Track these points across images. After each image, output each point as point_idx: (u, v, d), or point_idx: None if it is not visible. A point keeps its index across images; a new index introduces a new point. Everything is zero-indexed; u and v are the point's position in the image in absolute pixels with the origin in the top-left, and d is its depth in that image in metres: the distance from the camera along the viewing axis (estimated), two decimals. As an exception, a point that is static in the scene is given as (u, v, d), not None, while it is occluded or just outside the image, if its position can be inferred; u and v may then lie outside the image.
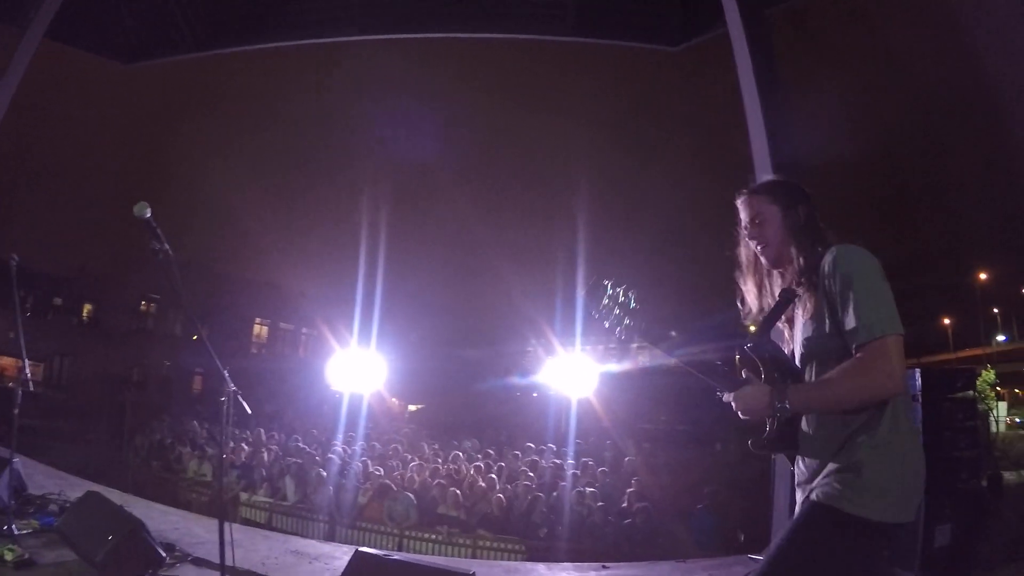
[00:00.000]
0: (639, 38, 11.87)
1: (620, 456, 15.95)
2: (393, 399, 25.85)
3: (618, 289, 2.74)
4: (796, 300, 2.97)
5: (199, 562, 6.08)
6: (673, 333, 2.77)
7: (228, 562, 4.42)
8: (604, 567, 7.54)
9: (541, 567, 7.72)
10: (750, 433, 2.92)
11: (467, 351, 30.82)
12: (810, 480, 2.80)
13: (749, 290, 3.24)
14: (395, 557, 5.21)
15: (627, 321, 2.71)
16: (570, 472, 13.87)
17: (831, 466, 2.69)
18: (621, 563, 7.96)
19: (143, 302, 34.88)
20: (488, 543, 11.48)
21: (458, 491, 12.42)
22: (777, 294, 3.07)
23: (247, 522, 12.25)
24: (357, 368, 17.87)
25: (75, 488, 7.66)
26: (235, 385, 4.41)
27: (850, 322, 2.65)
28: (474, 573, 4.86)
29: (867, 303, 2.65)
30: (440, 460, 14.96)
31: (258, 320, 38.64)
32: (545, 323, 25.05)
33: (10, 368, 25.36)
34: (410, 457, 14.90)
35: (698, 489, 13.97)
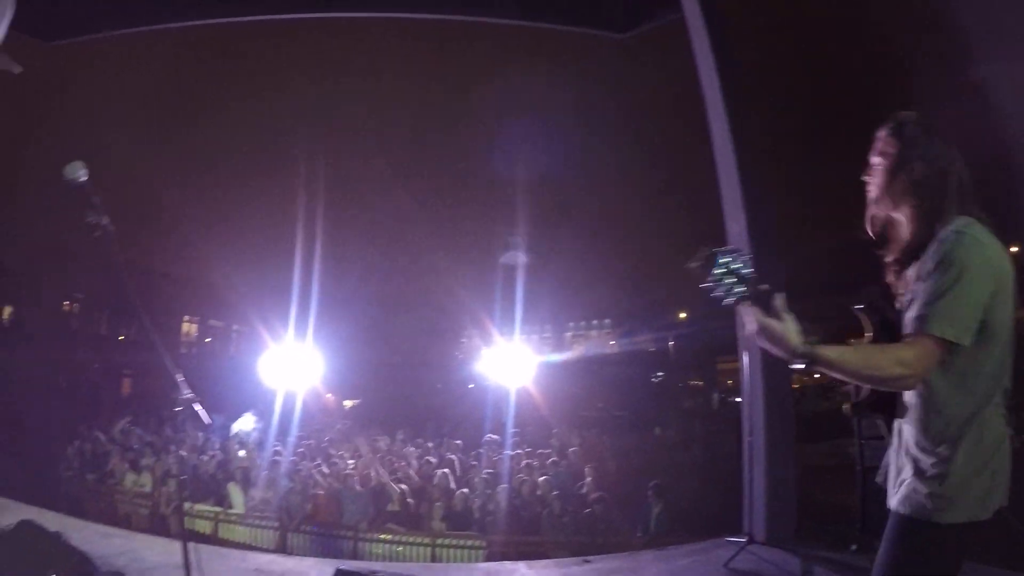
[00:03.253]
0: (586, 23, 11.42)
1: (565, 445, 15.45)
2: (328, 395, 25.06)
3: (730, 257, 2.44)
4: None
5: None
6: (766, 286, 2.43)
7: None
8: (586, 561, 7.22)
9: (522, 566, 7.24)
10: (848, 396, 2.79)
11: (403, 343, 30.19)
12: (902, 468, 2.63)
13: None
14: (379, 571, 4.56)
15: (740, 289, 2.42)
16: (523, 463, 13.30)
17: (918, 464, 2.54)
18: (602, 555, 7.61)
19: (65, 301, 33.34)
20: (447, 541, 10.89)
21: (409, 487, 11.79)
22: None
23: (194, 534, 11.53)
24: (291, 364, 17.15)
25: (3, 512, 6.84)
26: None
27: (920, 308, 2.45)
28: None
29: (946, 298, 2.40)
30: (386, 456, 14.23)
31: (186, 318, 37.13)
32: (483, 312, 24.47)
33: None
34: (354, 454, 14.12)
35: (645, 475, 13.63)
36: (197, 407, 3.63)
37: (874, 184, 2.71)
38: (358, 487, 11.88)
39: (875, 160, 2.71)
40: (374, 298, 30.77)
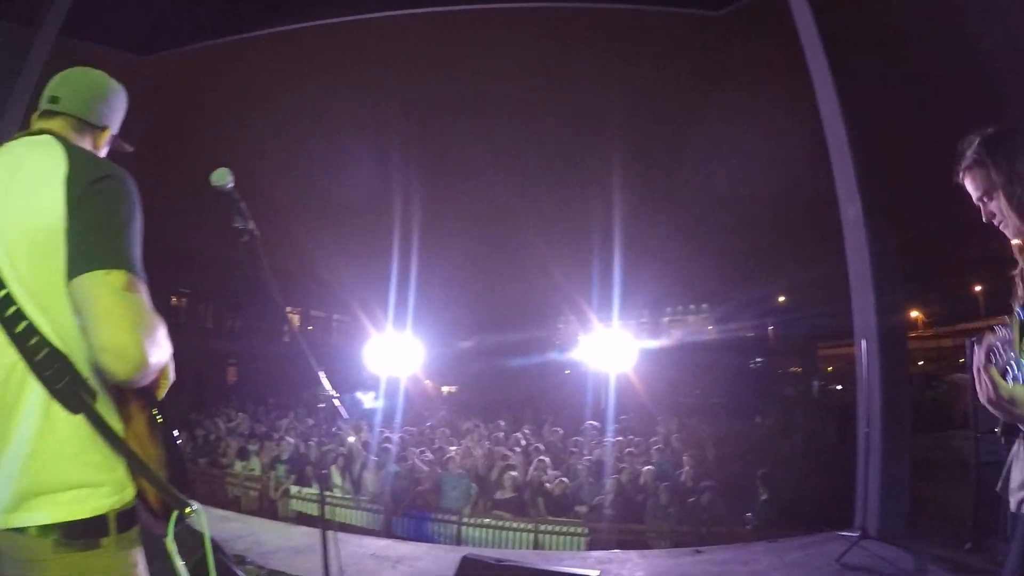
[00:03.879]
0: (682, 3, 11.19)
1: (668, 432, 15.16)
2: (427, 381, 25.18)
3: None
4: None
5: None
6: None
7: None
8: (698, 551, 7.03)
9: (634, 555, 7.08)
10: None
11: (500, 330, 30.08)
12: None
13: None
14: (510, 562, 4.49)
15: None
16: (625, 450, 13.12)
17: None
18: (712, 546, 7.41)
19: (173, 297, 34.50)
20: (550, 527, 10.79)
21: (514, 474, 11.72)
22: None
23: (300, 517, 11.66)
24: (392, 352, 17.27)
25: None
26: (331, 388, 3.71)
27: None
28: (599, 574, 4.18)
29: None
30: (488, 442, 14.19)
31: (288, 308, 36.96)
32: (581, 298, 24.23)
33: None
34: (457, 440, 14.14)
35: (747, 464, 13.33)
36: (337, 403, 3.62)
37: (994, 215, 2.44)
38: (462, 472, 11.90)
39: (979, 199, 2.43)
40: (471, 286, 30.78)
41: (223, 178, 2.79)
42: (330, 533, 3.62)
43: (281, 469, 13.08)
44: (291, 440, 14.11)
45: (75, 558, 1.76)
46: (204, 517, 1.91)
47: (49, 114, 2.15)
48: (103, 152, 2.28)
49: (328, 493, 12.08)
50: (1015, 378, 2.11)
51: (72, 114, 2.15)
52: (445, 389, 29.32)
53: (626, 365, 17.80)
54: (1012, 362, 2.14)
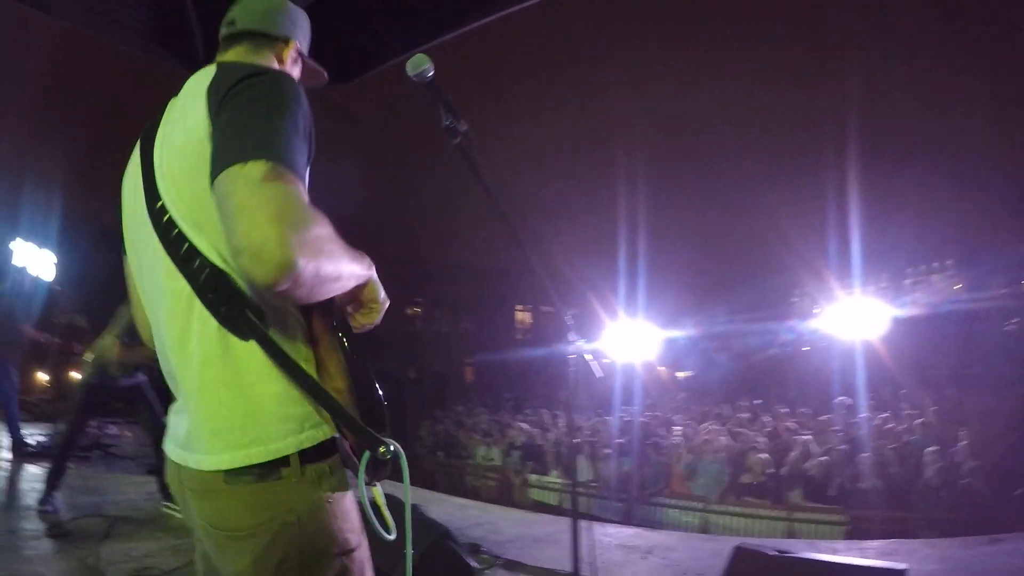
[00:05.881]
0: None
1: (925, 407, 13.67)
2: (660, 368, 24.62)
3: None
4: None
5: (512, 566, 4.94)
6: None
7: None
8: (996, 540, 5.95)
9: (918, 544, 6.11)
10: None
11: (731, 310, 29.06)
12: None
13: None
14: (792, 553, 3.80)
15: None
16: (886, 427, 11.85)
17: None
18: (1013, 534, 6.28)
19: (409, 307, 36.36)
20: (806, 515, 9.84)
21: (763, 456, 10.82)
22: None
23: (538, 505, 11.34)
24: (625, 340, 16.78)
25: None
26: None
27: None
28: (906, 569, 3.41)
29: None
30: (732, 425, 13.30)
31: (518, 307, 38.74)
32: (818, 264, 22.75)
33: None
34: (699, 425, 13.34)
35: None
36: (589, 358, 3.07)
37: None
38: (709, 458, 11.12)
39: None
40: (700, 268, 30.07)
41: (420, 65, 2.20)
42: (582, 523, 3.11)
43: (518, 457, 12.97)
44: (530, 428, 14.00)
45: (249, 489, 1.50)
46: (404, 461, 1.53)
47: (227, 42, 1.89)
48: (295, 72, 1.96)
49: (571, 482, 11.79)
50: None
51: (248, 30, 1.87)
52: (680, 374, 28.66)
53: (871, 334, 16.39)
54: None
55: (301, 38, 1.96)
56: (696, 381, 26.15)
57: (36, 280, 11.69)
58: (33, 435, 9.00)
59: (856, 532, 9.12)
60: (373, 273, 1.64)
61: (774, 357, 26.19)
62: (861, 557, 4.82)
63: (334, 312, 1.62)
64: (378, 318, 1.72)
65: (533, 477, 12.39)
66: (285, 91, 1.54)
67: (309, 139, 1.53)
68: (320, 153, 1.61)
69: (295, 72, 1.96)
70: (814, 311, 25.67)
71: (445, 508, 6.51)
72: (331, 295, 1.51)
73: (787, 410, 14.65)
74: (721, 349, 26.61)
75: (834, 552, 5.32)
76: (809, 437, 11.18)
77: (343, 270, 1.49)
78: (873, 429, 11.61)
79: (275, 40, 1.89)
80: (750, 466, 10.77)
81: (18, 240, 13.03)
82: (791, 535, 9.61)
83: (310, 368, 1.55)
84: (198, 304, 1.53)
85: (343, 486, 1.56)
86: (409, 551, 1.58)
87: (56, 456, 5.88)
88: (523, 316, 39.23)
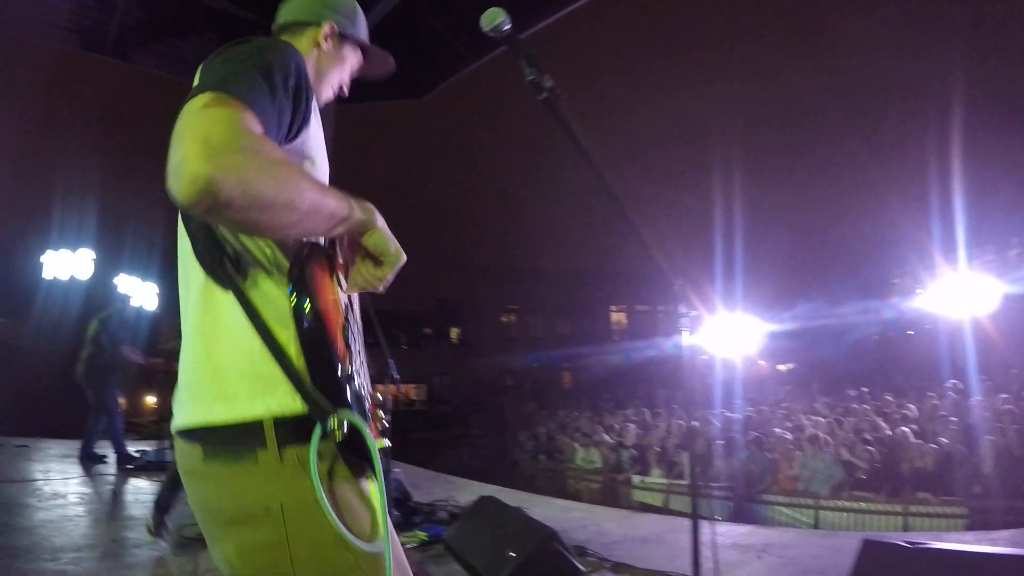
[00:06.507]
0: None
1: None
2: (760, 361, 24.10)
3: None
4: None
5: (620, 568, 4.75)
6: None
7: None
8: None
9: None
10: None
11: (830, 299, 28.26)
12: None
13: None
14: (924, 544, 3.53)
15: None
16: (1004, 408, 11.25)
17: None
18: None
19: (503, 315, 36.57)
20: (922, 508, 9.40)
21: (874, 449, 10.38)
22: None
23: (643, 506, 11.12)
24: (725, 334, 16.46)
25: (463, 491, 6.93)
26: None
27: None
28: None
29: None
30: (843, 417, 12.81)
31: (613, 308, 38.68)
32: (922, 238, 21.81)
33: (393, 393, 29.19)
34: (806, 418, 12.88)
35: None
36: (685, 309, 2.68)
37: None
38: (818, 453, 10.72)
39: None
40: (797, 255, 29.38)
41: (495, 18, 2.03)
42: (704, 523, 2.85)
43: (623, 457, 12.79)
44: (631, 428, 13.82)
45: (227, 471, 1.38)
46: (371, 440, 1.33)
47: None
48: (339, 53, 1.90)
49: (677, 482, 11.55)
50: None
51: (283, 23, 1.87)
52: (781, 367, 28.04)
53: (982, 311, 15.62)
54: None
55: (340, 19, 1.89)
56: (798, 374, 25.53)
57: (139, 309, 12.10)
58: (138, 449, 9.24)
59: (977, 524, 8.68)
60: (377, 220, 1.48)
61: (878, 344, 25.35)
62: (989, 547, 4.47)
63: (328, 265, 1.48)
64: (390, 275, 1.54)
65: (636, 478, 12.18)
66: (262, 48, 1.46)
67: (291, 94, 1.42)
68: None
69: (339, 53, 1.90)
70: (916, 291, 24.60)
71: (547, 510, 6.35)
72: (294, 227, 1.34)
73: (894, 399, 14.06)
74: (822, 339, 25.87)
75: (963, 543, 4.96)
76: (917, 427, 10.72)
77: (296, 197, 1.29)
78: (993, 412, 11.05)
79: (307, 25, 1.86)
80: (859, 459, 10.35)
81: (121, 275, 13.55)
82: (906, 530, 9.21)
83: (282, 328, 1.40)
84: (195, 259, 1.48)
85: (342, 474, 1.39)
86: (389, 555, 1.36)
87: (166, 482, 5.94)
88: (618, 316, 39.23)
